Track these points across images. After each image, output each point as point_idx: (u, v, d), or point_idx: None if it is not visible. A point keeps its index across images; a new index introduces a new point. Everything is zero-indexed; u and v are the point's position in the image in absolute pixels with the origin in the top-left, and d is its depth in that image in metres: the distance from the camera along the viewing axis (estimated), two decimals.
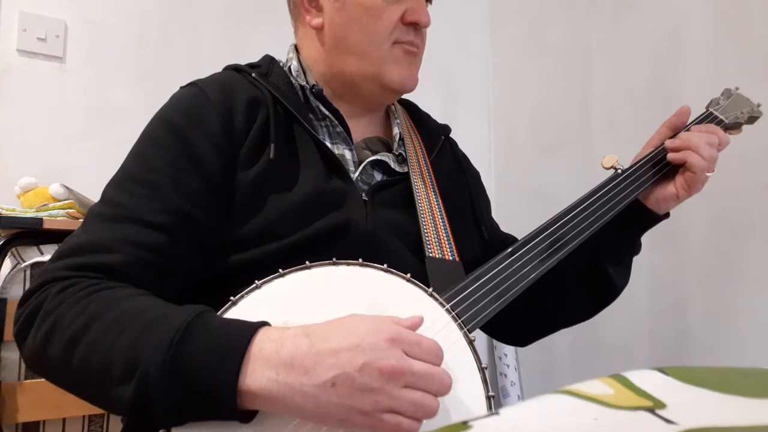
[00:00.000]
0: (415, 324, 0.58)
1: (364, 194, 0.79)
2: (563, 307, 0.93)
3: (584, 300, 0.92)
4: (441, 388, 0.54)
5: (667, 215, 0.88)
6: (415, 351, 0.54)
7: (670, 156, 0.83)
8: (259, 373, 0.53)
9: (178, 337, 0.54)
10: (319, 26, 0.84)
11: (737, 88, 0.95)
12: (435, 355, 0.55)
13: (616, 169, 0.84)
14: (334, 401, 0.52)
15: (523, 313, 0.85)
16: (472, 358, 0.61)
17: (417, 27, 0.85)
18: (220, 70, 0.87)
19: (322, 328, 0.55)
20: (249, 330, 0.55)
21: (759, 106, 0.93)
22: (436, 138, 0.95)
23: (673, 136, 0.87)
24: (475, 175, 1.01)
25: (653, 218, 0.86)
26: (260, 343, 0.54)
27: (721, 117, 0.91)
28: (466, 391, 0.59)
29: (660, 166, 0.85)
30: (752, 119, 0.93)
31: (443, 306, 0.65)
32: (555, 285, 0.86)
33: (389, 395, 0.52)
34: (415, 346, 0.54)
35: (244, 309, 0.61)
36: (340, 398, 0.52)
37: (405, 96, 0.94)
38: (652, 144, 0.90)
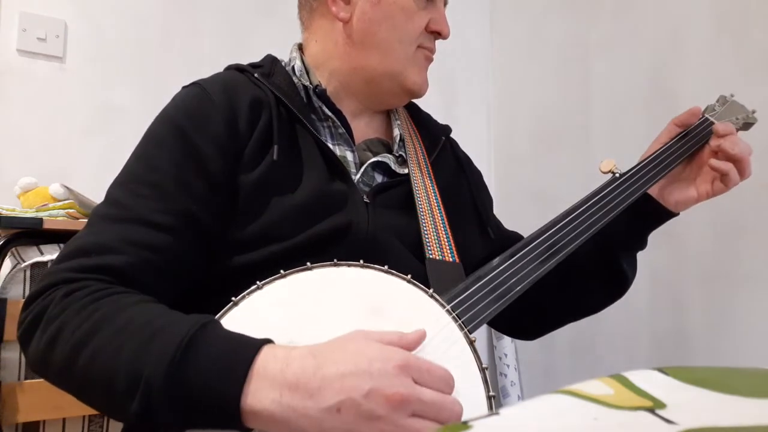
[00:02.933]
0: (420, 337, 0.57)
1: (365, 196, 0.79)
2: (574, 299, 0.94)
3: (597, 292, 0.93)
4: (451, 417, 0.52)
5: (677, 213, 0.89)
6: (425, 379, 0.52)
7: (715, 163, 0.84)
8: (262, 393, 0.52)
9: (181, 350, 0.54)
10: (347, 19, 0.85)
11: (732, 95, 0.96)
12: (446, 384, 0.54)
13: (613, 173, 0.85)
14: (338, 426, 0.50)
15: (534, 306, 0.86)
16: (473, 358, 0.61)
17: (437, 36, 0.88)
18: (220, 69, 0.86)
19: (329, 349, 0.54)
20: (253, 347, 0.54)
21: (754, 112, 0.94)
22: (436, 139, 0.96)
23: (678, 139, 0.88)
24: (477, 175, 1.01)
25: (667, 216, 0.88)
26: (264, 362, 0.53)
27: (716, 123, 0.91)
28: (467, 391, 0.59)
29: (659, 169, 0.85)
30: (747, 125, 0.93)
31: (444, 307, 0.65)
32: (569, 278, 0.87)
33: (395, 424, 0.50)
34: (425, 374, 0.53)
35: (245, 309, 0.61)
36: (345, 424, 0.50)
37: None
38: (660, 141, 0.90)
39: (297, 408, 0.51)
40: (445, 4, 0.91)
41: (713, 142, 0.86)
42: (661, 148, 0.88)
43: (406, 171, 0.86)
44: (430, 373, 0.53)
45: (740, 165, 0.84)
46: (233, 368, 0.53)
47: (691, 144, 0.89)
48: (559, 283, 0.85)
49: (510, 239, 0.92)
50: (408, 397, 0.50)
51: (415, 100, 0.97)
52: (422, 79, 0.87)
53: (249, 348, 0.54)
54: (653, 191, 0.87)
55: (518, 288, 0.71)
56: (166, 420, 0.53)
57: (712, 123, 0.91)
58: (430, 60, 0.89)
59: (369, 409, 0.50)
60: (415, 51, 0.86)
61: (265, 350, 0.54)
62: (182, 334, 0.55)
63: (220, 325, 0.58)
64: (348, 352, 0.53)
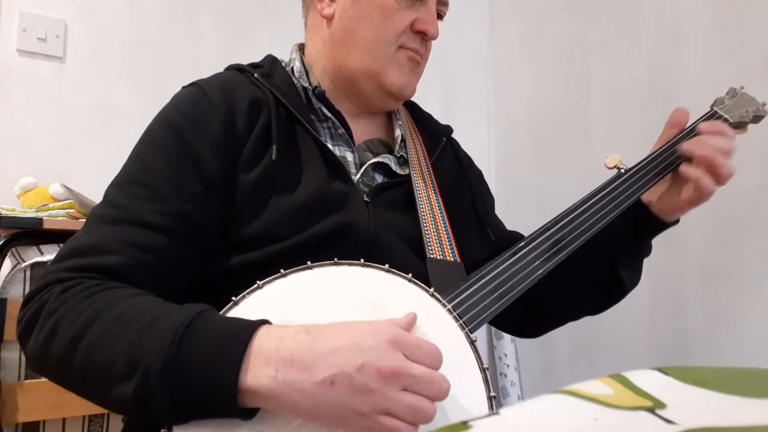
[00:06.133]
0: (411, 322, 0.58)
1: (365, 196, 0.79)
2: (573, 303, 0.94)
3: (594, 297, 0.93)
4: (439, 392, 0.54)
5: (677, 221, 0.87)
6: (415, 354, 0.54)
7: (684, 169, 0.81)
8: (259, 370, 0.53)
9: (180, 334, 0.55)
10: (330, 16, 0.85)
11: (742, 87, 0.94)
12: (434, 359, 0.55)
13: (619, 168, 0.84)
14: (332, 399, 0.52)
15: (533, 307, 0.86)
16: (474, 358, 0.61)
17: (424, 37, 0.85)
18: (220, 69, 0.86)
19: (323, 327, 0.56)
20: (249, 328, 0.56)
21: (764, 104, 0.92)
22: (437, 139, 0.95)
23: (682, 135, 0.85)
24: (477, 175, 1.01)
25: (662, 224, 0.86)
26: (260, 340, 0.55)
27: (725, 116, 0.90)
28: (468, 391, 0.59)
29: (665, 165, 0.84)
30: (757, 118, 0.92)
31: (444, 306, 0.65)
32: (566, 282, 0.87)
33: (386, 397, 0.51)
34: (415, 349, 0.54)
35: (245, 309, 0.61)
36: (338, 397, 0.52)
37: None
38: (662, 140, 0.89)
39: (292, 382, 0.52)
40: (446, 4, 0.89)
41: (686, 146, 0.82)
42: (667, 144, 0.87)
43: (406, 171, 0.86)
44: (420, 348, 0.54)
45: (711, 167, 0.79)
46: (230, 348, 0.54)
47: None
48: (558, 284, 0.85)
49: (510, 239, 0.92)
50: (399, 370, 0.52)
51: (414, 100, 0.97)
52: (403, 80, 0.84)
53: (245, 329, 0.55)
54: (648, 198, 0.86)
55: (520, 287, 0.71)
56: (164, 404, 0.53)
57: (717, 116, 0.90)
58: (414, 61, 0.85)
59: (361, 383, 0.51)
60: (395, 51, 0.83)
61: (261, 330, 0.55)
62: (180, 319, 0.56)
63: (217, 312, 0.59)
64: (341, 329, 0.55)
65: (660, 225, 0.86)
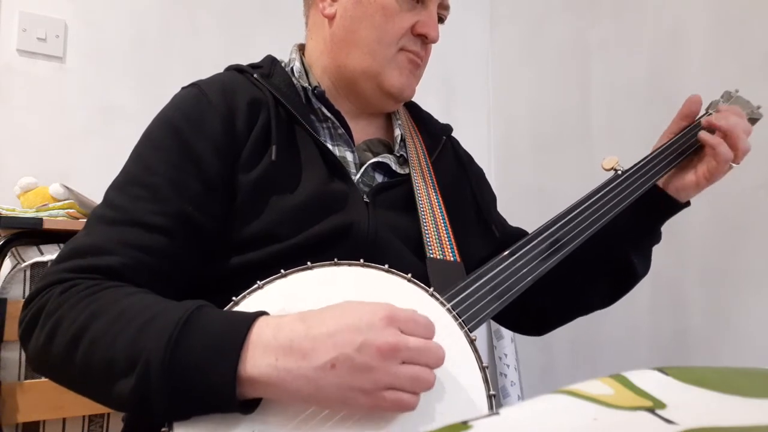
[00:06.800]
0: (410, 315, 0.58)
1: (365, 196, 0.79)
2: (582, 294, 0.94)
3: (605, 287, 0.93)
4: (436, 360, 0.55)
5: (688, 203, 0.88)
6: (410, 327, 0.55)
7: (703, 135, 0.84)
8: (258, 359, 0.54)
9: (178, 329, 0.55)
10: (331, 16, 0.85)
11: (737, 91, 0.95)
12: (428, 330, 0.56)
13: (616, 170, 0.85)
14: (334, 382, 0.52)
15: (537, 303, 0.86)
16: (473, 357, 0.62)
17: (425, 40, 0.86)
18: (220, 70, 0.87)
19: (317, 313, 0.56)
20: (247, 320, 0.56)
21: (759, 108, 0.93)
22: (437, 138, 0.96)
23: (687, 131, 0.87)
24: (478, 173, 1.01)
25: (675, 206, 0.87)
26: (258, 329, 0.55)
27: None
28: (468, 390, 0.59)
29: (666, 163, 0.85)
30: (752, 121, 0.93)
31: (444, 306, 0.65)
32: (573, 273, 0.87)
33: (388, 373, 0.52)
34: (410, 323, 0.55)
35: (245, 309, 0.61)
36: (340, 379, 0.52)
37: None
38: (667, 134, 0.90)
39: (292, 370, 0.53)
40: (447, 8, 0.89)
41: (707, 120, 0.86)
42: (665, 143, 0.87)
43: (406, 171, 0.86)
44: (414, 320, 0.56)
45: (730, 139, 0.82)
46: (229, 340, 0.54)
47: (692, 135, 0.87)
48: (563, 279, 0.85)
49: (514, 236, 0.92)
50: (397, 345, 0.53)
51: (414, 100, 0.97)
52: (402, 82, 0.85)
53: (243, 321, 0.56)
54: (663, 180, 0.87)
55: (519, 286, 0.71)
56: (164, 399, 0.53)
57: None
58: (415, 63, 0.86)
59: (362, 362, 0.52)
60: (396, 53, 0.84)
61: (259, 321, 0.56)
62: (179, 315, 0.56)
63: (216, 307, 0.60)
64: (336, 312, 0.56)
65: (673, 206, 0.87)
